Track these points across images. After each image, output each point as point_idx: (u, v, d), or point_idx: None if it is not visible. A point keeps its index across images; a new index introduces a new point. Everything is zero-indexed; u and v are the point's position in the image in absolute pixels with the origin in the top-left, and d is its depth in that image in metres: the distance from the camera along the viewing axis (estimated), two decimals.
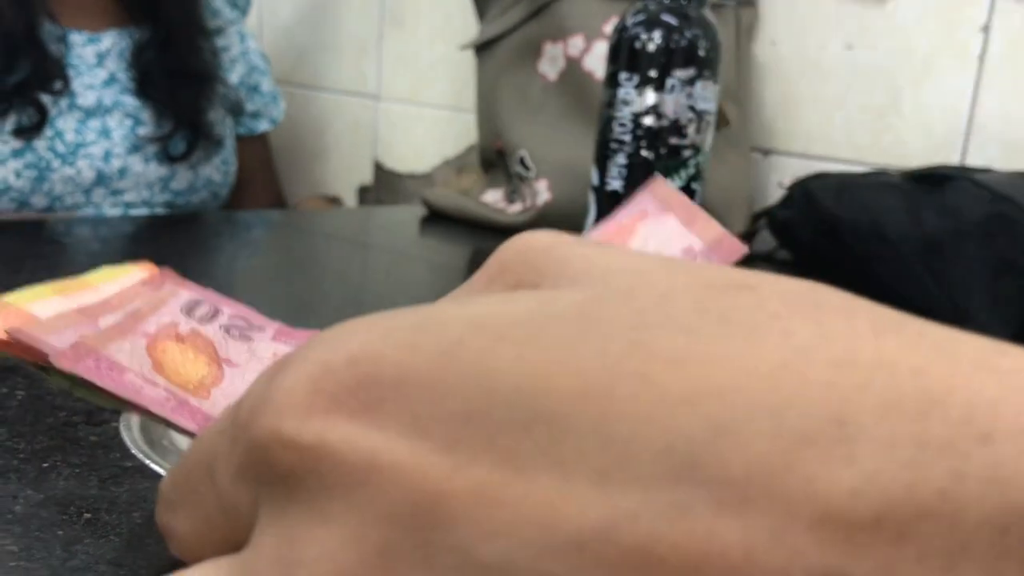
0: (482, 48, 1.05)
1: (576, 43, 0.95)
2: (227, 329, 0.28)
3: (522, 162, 0.98)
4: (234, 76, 1.14)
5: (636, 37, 0.76)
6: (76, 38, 0.99)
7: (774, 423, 0.11)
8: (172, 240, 0.85)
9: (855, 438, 0.11)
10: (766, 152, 1.04)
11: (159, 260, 0.69)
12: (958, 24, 0.89)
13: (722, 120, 0.88)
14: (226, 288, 0.61)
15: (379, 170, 1.41)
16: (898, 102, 0.94)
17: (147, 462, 0.28)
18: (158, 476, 0.28)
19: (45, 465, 0.35)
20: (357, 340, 0.13)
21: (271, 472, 0.14)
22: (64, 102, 0.96)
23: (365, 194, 1.44)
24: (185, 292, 0.29)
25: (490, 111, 1.04)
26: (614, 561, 0.11)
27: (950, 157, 0.92)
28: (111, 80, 0.99)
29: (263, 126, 1.21)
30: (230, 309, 0.29)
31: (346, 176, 1.44)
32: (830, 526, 0.10)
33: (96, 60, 0.99)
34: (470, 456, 0.12)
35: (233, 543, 0.15)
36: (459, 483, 0.12)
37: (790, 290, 0.13)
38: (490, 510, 0.12)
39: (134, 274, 0.31)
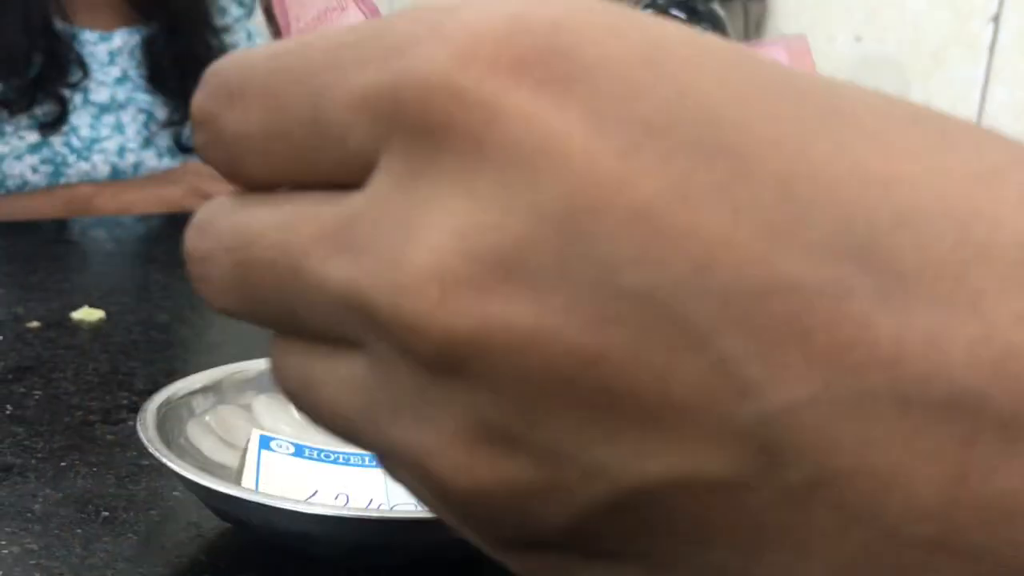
0: None
1: None
2: None
3: None
4: None
5: None
6: (88, 36, 0.99)
7: (959, 232, 0.10)
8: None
9: None
10: None
11: (173, 259, 0.70)
12: (968, 15, 0.89)
13: None
14: None
15: None
16: (908, 94, 0.94)
17: (163, 460, 0.28)
18: (174, 474, 0.28)
19: (63, 464, 0.35)
20: (562, 2, 0.11)
21: (420, 118, 0.11)
22: (79, 98, 0.97)
23: None
24: None
25: None
26: (760, 324, 0.10)
27: None
28: (123, 77, 1.00)
29: None
30: None
31: None
32: (984, 350, 0.10)
33: (108, 58, 1.00)
34: (643, 170, 0.11)
35: (308, 172, 0.13)
36: (624, 197, 0.11)
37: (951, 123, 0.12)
38: (648, 235, 0.10)
39: None
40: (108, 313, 0.54)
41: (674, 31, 0.11)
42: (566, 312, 0.11)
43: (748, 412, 0.10)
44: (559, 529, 0.12)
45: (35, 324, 0.51)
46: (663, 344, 0.11)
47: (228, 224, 0.14)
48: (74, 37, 0.99)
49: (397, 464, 0.13)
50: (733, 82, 0.11)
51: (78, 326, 0.52)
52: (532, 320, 0.11)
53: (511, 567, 0.13)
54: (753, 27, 0.98)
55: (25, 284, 0.60)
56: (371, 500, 0.33)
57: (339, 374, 0.13)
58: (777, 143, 0.11)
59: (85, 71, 0.97)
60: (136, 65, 1.01)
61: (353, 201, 0.12)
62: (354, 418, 0.13)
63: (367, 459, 0.35)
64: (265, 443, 0.34)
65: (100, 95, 0.99)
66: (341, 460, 0.35)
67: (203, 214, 0.14)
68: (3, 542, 0.30)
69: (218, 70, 0.14)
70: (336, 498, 0.32)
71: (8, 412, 0.39)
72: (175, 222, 0.85)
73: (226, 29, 1.11)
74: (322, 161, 0.13)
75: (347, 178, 0.13)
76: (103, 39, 1.00)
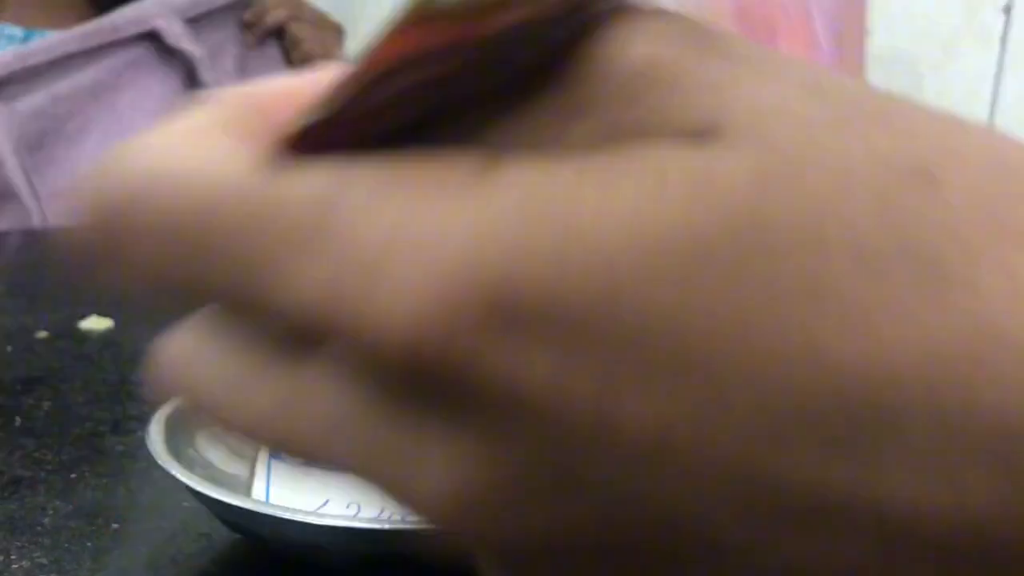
0: None
1: None
2: None
3: None
4: None
5: None
6: (11, 32, 0.96)
7: (940, 427, 0.10)
8: None
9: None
10: None
11: None
12: (979, 6, 0.88)
13: None
14: None
15: None
16: (920, 87, 0.93)
17: (173, 472, 0.28)
18: (184, 486, 0.28)
19: (73, 476, 0.35)
20: (497, 249, 0.11)
21: (373, 369, 0.12)
22: None
23: None
24: None
25: None
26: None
27: None
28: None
29: None
30: None
31: None
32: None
33: None
34: (618, 407, 0.11)
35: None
36: (608, 435, 0.11)
37: (972, 187, 0.11)
38: (641, 466, 0.11)
39: None
40: (116, 321, 0.54)
41: (619, 246, 0.11)
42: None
43: None
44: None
45: (43, 334, 0.51)
46: (671, 552, 0.12)
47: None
48: (25, 40, 0.94)
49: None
50: (693, 291, 0.11)
51: (87, 335, 0.52)
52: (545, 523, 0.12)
53: None
54: None
55: (33, 293, 0.59)
56: (383, 509, 0.32)
57: None
58: (748, 356, 0.11)
59: None
60: None
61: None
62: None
63: None
64: (275, 452, 0.34)
65: None
66: None
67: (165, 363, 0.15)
68: (13, 556, 0.29)
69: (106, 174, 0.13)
70: (348, 507, 0.32)
71: (17, 424, 0.39)
72: None
73: None
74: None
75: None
76: (37, 35, 0.96)
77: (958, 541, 0.11)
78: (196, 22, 0.92)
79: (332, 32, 1.09)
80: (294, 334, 0.12)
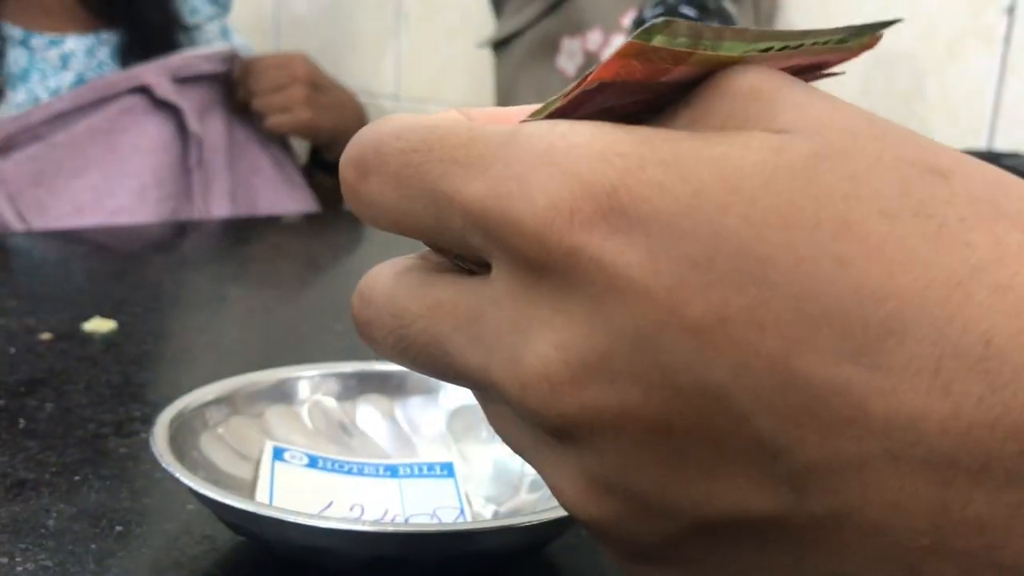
0: (500, 45, 1.04)
1: (594, 37, 0.94)
2: None
3: None
4: None
5: None
6: (37, 41, 0.96)
7: (935, 335, 0.14)
8: (199, 239, 0.85)
9: (996, 363, 0.14)
10: None
11: (184, 266, 0.69)
12: (982, 6, 0.88)
13: None
14: (244, 302, 0.61)
15: None
16: (922, 87, 0.93)
17: (176, 474, 0.28)
18: (187, 488, 0.28)
19: (76, 478, 0.35)
20: (614, 169, 0.15)
21: (521, 254, 0.16)
22: (20, 94, 0.94)
23: None
24: None
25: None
26: (783, 409, 0.14)
27: (976, 143, 0.90)
28: (78, 81, 0.97)
29: None
30: None
31: None
32: (952, 425, 0.14)
33: (60, 62, 0.97)
34: (689, 299, 0.15)
35: (436, 243, 0.19)
36: (676, 318, 0.15)
37: (976, 187, 0.15)
38: (696, 347, 0.15)
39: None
40: (120, 323, 0.54)
41: (709, 177, 0.15)
42: (643, 399, 0.15)
43: (780, 469, 0.15)
44: (653, 547, 0.16)
45: (47, 335, 0.51)
46: (714, 423, 0.15)
47: (385, 301, 0.19)
48: (23, 42, 0.95)
49: None
50: (758, 218, 0.15)
51: (90, 337, 0.52)
52: (617, 406, 0.15)
53: (626, 573, 0.18)
54: (765, 21, 0.97)
55: (36, 295, 0.59)
56: (386, 511, 0.32)
57: (489, 409, 0.20)
58: (793, 267, 0.14)
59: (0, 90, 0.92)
60: (95, 67, 0.98)
61: (481, 298, 0.17)
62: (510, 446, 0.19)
63: (381, 469, 0.35)
64: (279, 454, 0.34)
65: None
66: (355, 471, 0.34)
67: (365, 284, 0.20)
68: (18, 559, 0.30)
69: (358, 142, 0.19)
70: (351, 509, 0.32)
71: (21, 426, 0.39)
72: (182, 229, 0.85)
73: (197, 27, 1.08)
74: (447, 241, 0.18)
75: (472, 255, 0.18)
76: (53, 43, 0.97)
77: (956, 450, 0.14)
78: (184, 82, 0.96)
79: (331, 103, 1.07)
80: (461, 255, 0.18)
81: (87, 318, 0.54)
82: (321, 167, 1.12)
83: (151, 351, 0.51)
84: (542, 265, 0.16)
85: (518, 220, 0.16)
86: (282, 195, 1.03)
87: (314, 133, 1.05)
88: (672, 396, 0.15)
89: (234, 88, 1.01)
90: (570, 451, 0.16)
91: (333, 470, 0.34)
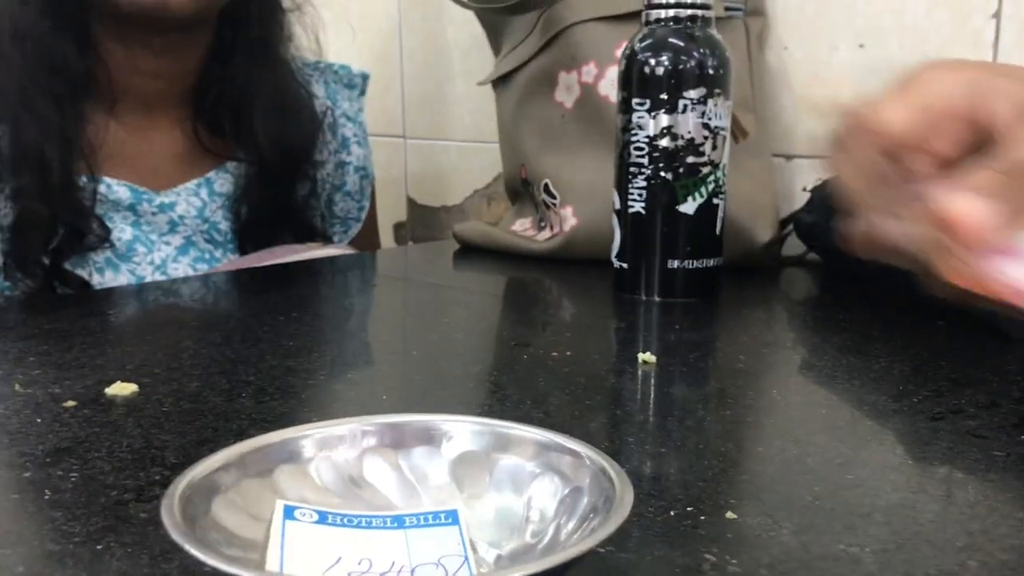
0: (499, 82, 1.06)
1: (589, 70, 0.96)
2: None
3: (547, 189, 0.99)
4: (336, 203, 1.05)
5: (645, 62, 0.77)
6: (146, 205, 0.89)
7: None
8: (218, 294, 0.87)
9: None
10: (789, 157, 1.05)
11: (202, 324, 0.71)
12: (968, 13, 0.89)
13: (740, 132, 0.88)
14: (276, 327, 0.63)
15: (412, 206, 1.44)
16: None
17: (188, 548, 0.29)
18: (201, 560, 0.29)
19: (99, 547, 0.36)
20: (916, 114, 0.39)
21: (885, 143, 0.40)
22: (123, 275, 0.87)
23: (400, 231, 1.47)
24: None
25: (512, 142, 1.06)
26: None
27: None
28: (185, 248, 0.90)
29: (354, 229, 1.11)
30: None
31: (381, 215, 1.47)
32: None
33: (168, 227, 0.90)
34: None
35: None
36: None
37: None
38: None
39: None
40: (140, 386, 0.56)
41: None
42: None
43: None
44: None
45: (71, 403, 0.53)
46: None
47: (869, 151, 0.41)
48: (132, 207, 0.87)
49: None
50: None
51: (112, 401, 0.54)
52: None
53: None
54: (755, 42, 0.99)
55: (60, 362, 0.62)
56: (393, 563, 0.34)
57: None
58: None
59: (106, 234, 0.86)
60: (208, 230, 0.92)
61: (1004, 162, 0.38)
62: None
63: (389, 521, 0.36)
64: (289, 513, 0.35)
65: (152, 272, 0.91)
66: (364, 524, 0.36)
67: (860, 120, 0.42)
68: None
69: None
70: (359, 563, 0.34)
71: (47, 497, 0.41)
72: (205, 284, 0.87)
73: (322, 163, 1.01)
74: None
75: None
76: (163, 208, 0.90)
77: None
78: None
79: None
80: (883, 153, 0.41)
81: (109, 382, 0.56)
82: None
83: (170, 411, 0.53)
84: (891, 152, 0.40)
85: (879, 125, 0.40)
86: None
87: None
88: None
89: None
90: None
91: (342, 524, 0.36)
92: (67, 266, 0.85)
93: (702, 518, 0.39)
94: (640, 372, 0.61)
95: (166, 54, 0.87)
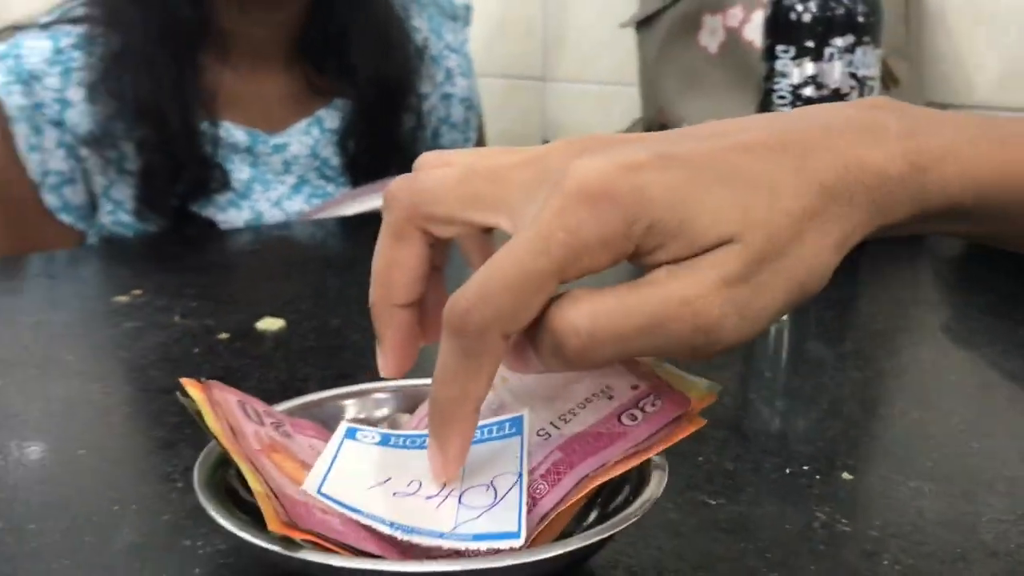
0: (642, 24, 1.05)
1: (735, 13, 0.94)
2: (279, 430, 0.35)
3: None
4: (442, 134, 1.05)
5: (792, 7, 0.75)
6: (262, 147, 0.92)
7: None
8: (366, 235, 0.91)
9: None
10: (944, 107, 1.00)
11: (347, 262, 0.74)
12: None
13: (890, 79, 0.85)
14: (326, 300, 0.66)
15: None
16: None
17: (211, 512, 0.29)
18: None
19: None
20: (630, 178, 0.27)
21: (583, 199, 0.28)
22: (245, 212, 0.92)
23: None
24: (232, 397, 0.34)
25: (653, 86, 1.05)
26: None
27: None
28: (299, 186, 0.94)
29: None
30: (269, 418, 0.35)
31: None
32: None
33: (283, 167, 0.93)
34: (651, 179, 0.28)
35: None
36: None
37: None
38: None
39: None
40: (288, 321, 0.60)
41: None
42: None
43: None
44: None
45: (224, 335, 0.57)
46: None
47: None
48: (249, 148, 0.91)
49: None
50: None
51: (262, 335, 0.58)
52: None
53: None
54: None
55: (215, 296, 0.66)
56: (443, 485, 0.31)
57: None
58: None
59: (226, 180, 0.91)
60: (319, 166, 0.95)
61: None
62: None
63: None
64: (351, 434, 0.34)
65: (270, 212, 0.94)
66: (424, 444, 0.31)
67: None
68: (201, 541, 0.35)
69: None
70: (408, 485, 0.32)
71: None
72: (346, 225, 0.91)
73: (425, 96, 1.01)
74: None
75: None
76: (277, 149, 0.93)
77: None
78: None
79: None
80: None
81: (259, 317, 0.60)
82: None
83: (315, 346, 0.56)
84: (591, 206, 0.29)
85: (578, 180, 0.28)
86: None
87: None
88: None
89: None
90: None
91: (404, 446, 0.34)
92: (193, 208, 0.89)
93: (817, 477, 0.40)
94: (773, 328, 0.60)
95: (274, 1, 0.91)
